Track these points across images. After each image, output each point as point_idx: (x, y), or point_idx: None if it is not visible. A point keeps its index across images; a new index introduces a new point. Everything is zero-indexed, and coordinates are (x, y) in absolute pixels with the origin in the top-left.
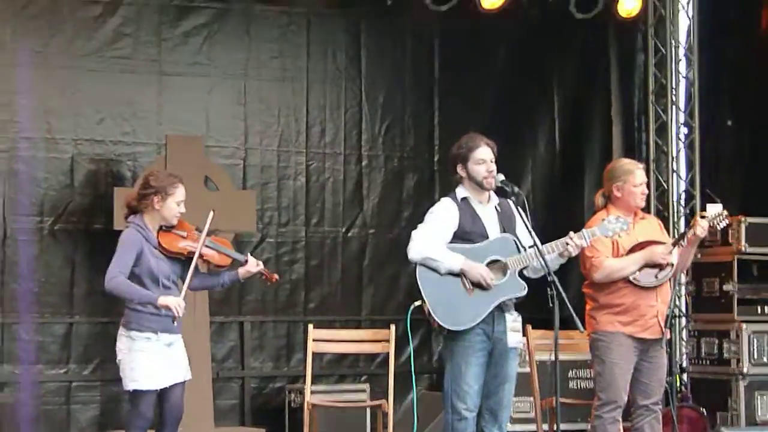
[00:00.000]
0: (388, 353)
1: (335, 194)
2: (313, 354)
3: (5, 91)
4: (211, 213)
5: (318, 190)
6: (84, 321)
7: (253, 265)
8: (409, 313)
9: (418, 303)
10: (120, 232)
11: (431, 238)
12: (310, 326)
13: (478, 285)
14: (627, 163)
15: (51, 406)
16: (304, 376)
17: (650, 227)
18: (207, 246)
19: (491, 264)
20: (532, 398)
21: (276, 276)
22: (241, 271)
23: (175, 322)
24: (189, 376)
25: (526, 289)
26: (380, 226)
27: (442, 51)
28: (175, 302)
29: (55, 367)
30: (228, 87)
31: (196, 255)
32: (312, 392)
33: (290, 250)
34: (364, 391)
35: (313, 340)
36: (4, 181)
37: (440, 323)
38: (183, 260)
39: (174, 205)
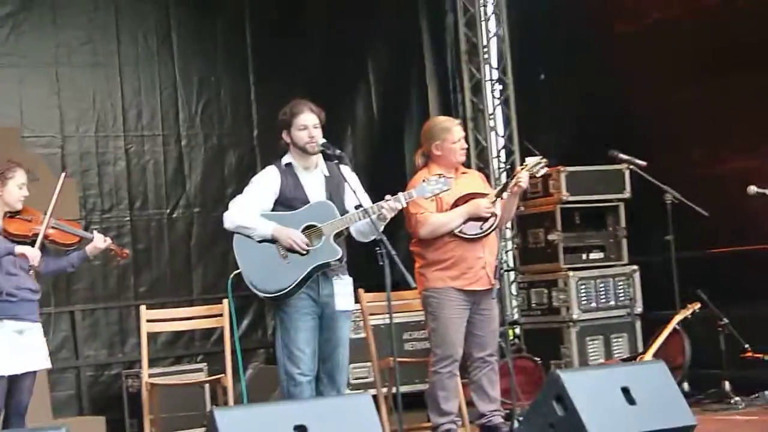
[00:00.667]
0: (222, 328)
1: (157, 176)
2: (148, 335)
3: None
4: (63, 174)
5: (139, 173)
6: None
7: (101, 241)
8: (229, 282)
9: (236, 272)
10: None
11: (246, 207)
12: (143, 307)
13: (291, 250)
14: (443, 120)
15: None
16: (140, 360)
17: (472, 181)
18: (52, 227)
19: (307, 230)
20: (370, 363)
21: (126, 251)
22: (89, 247)
23: (31, 273)
24: (45, 365)
25: (341, 253)
26: (204, 205)
27: (254, 26)
28: (30, 250)
29: None
30: (40, 76)
31: (41, 232)
32: (149, 375)
33: (116, 236)
34: (201, 370)
35: (147, 321)
36: None
37: (254, 289)
38: (30, 243)
39: (15, 188)
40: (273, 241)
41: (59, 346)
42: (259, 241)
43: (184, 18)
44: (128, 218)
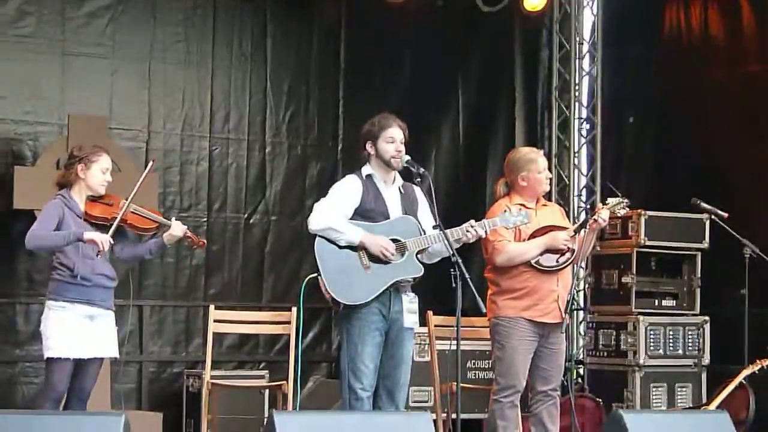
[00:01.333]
0: (288, 336)
1: (238, 180)
2: (214, 336)
3: None
4: (151, 163)
5: (221, 175)
6: None
7: (178, 229)
8: (304, 284)
9: (314, 275)
10: (20, 211)
11: (333, 210)
12: (211, 306)
13: (376, 260)
14: (528, 151)
15: None
16: (203, 360)
17: (552, 214)
18: (131, 212)
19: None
20: (431, 388)
21: (203, 241)
22: (166, 235)
23: (99, 256)
24: (113, 353)
25: (423, 270)
26: (282, 214)
27: (348, 40)
28: (100, 236)
29: None
30: (132, 69)
31: (119, 215)
32: (211, 376)
33: None
34: (263, 377)
35: (215, 321)
36: None
37: (333, 296)
38: (109, 227)
39: (98, 172)
40: (357, 248)
41: (124, 339)
42: (341, 247)
43: (281, 24)
44: (205, 219)
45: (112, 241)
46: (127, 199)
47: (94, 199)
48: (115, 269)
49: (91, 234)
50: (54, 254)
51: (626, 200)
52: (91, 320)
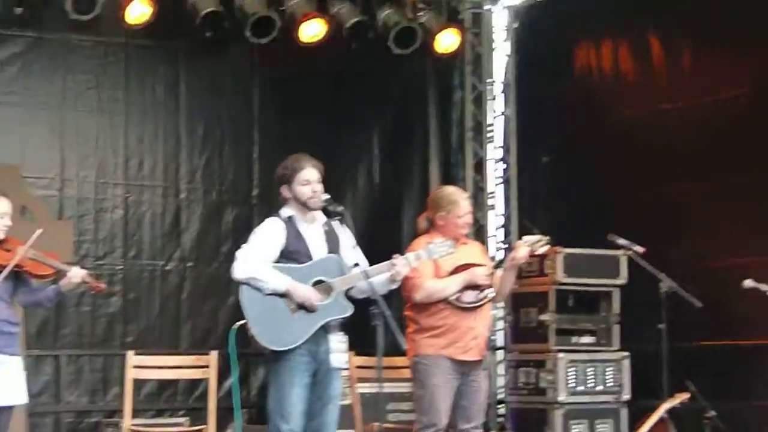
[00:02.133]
0: (207, 382)
1: (153, 227)
2: (133, 383)
3: None
4: (39, 230)
5: (136, 222)
6: None
7: (76, 275)
8: (233, 331)
9: (241, 322)
10: None
11: (256, 258)
12: (130, 352)
13: (302, 306)
14: (452, 192)
15: None
16: (121, 409)
17: (472, 251)
18: (29, 258)
19: (316, 285)
20: (353, 431)
21: (103, 285)
22: (63, 281)
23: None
24: (21, 400)
25: (352, 309)
26: (199, 260)
27: (262, 85)
28: None
29: None
30: (44, 117)
31: (12, 262)
32: (131, 424)
33: (108, 283)
34: (182, 424)
35: (133, 367)
36: None
37: (262, 343)
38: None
39: None
40: (283, 295)
41: (41, 389)
42: (267, 294)
43: (194, 69)
44: (122, 267)
45: None
46: (24, 245)
47: None
48: (32, 318)
49: None
50: None
51: (546, 238)
52: None
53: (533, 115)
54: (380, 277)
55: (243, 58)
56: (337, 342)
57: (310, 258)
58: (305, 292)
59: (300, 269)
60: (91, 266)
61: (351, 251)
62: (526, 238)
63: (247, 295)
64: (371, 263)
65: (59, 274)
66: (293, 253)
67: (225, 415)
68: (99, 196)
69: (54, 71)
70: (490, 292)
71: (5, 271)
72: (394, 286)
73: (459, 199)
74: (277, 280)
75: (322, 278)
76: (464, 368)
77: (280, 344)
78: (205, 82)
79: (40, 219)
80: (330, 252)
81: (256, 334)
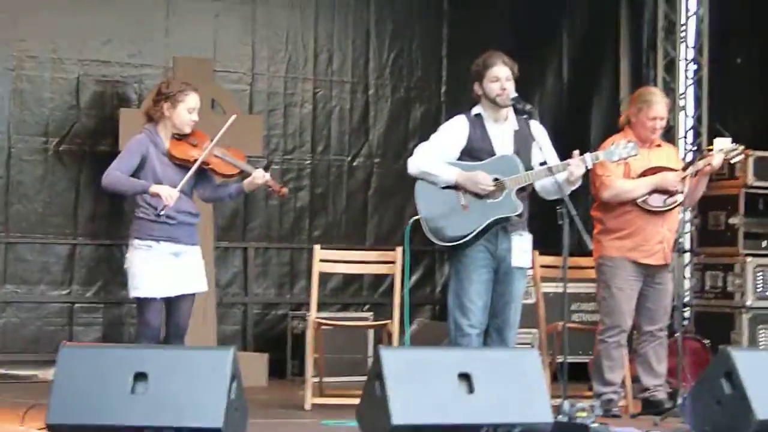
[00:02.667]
0: (392, 278)
1: (341, 123)
2: (319, 276)
3: (11, 9)
4: (233, 116)
5: (324, 118)
6: (87, 243)
7: (259, 177)
8: (409, 225)
9: (416, 217)
10: None
11: (431, 153)
12: (316, 246)
13: (475, 195)
14: (649, 92)
15: (53, 327)
16: (308, 303)
17: (665, 155)
18: (215, 155)
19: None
20: (536, 330)
21: (285, 189)
22: (246, 181)
23: (163, 212)
24: (201, 288)
25: (521, 208)
26: (386, 157)
27: None
28: (166, 191)
29: (58, 288)
30: (236, 12)
31: (199, 160)
32: (316, 317)
33: (295, 177)
34: (367, 318)
35: (320, 261)
36: (10, 100)
37: (431, 236)
38: (188, 169)
39: (185, 112)
40: (456, 188)
41: (230, 281)
42: (442, 188)
43: None
44: (309, 162)
45: (177, 195)
46: (211, 141)
47: (179, 138)
48: (221, 211)
49: (156, 187)
50: None
51: (742, 147)
52: (177, 257)
53: (727, 16)
54: (560, 176)
55: None
56: (521, 242)
57: (492, 156)
58: (475, 178)
59: (476, 166)
60: (280, 160)
61: (549, 151)
62: (721, 144)
63: (421, 190)
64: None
65: (243, 174)
66: (476, 151)
67: (411, 310)
68: (288, 90)
69: None
70: (679, 197)
71: (192, 169)
72: (573, 187)
73: (653, 99)
74: (448, 172)
75: (496, 176)
76: (649, 271)
77: (448, 237)
78: None
79: (230, 113)
80: (518, 151)
81: (427, 229)
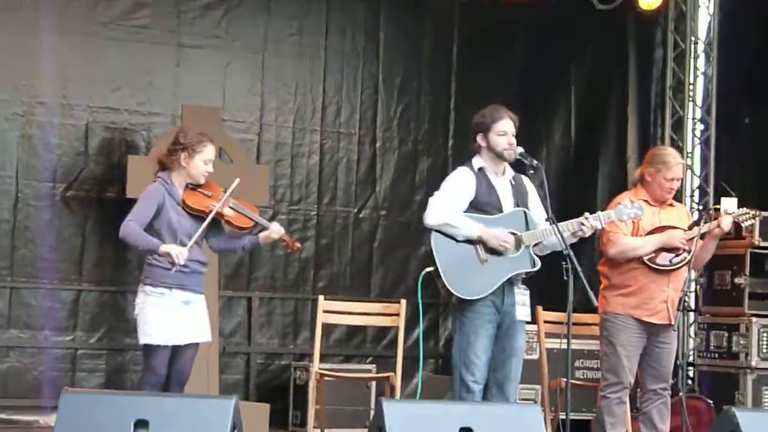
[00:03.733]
0: (396, 331)
1: (348, 174)
2: (322, 327)
3: (23, 54)
4: (237, 180)
5: (331, 169)
6: (92, 289)
7: (276, 231)
8: (422, 276)
9: (430, 269)
10: (133, 200)
11: (449, 205)
12: (321, 297)
13: (494, 252)
14: (667, 153)
15: (56, 372)
16: (311, 354)
17: (677, 215)
18: (230, 207)
19: None
20: (538, 386)
21: (298, 244)
22: (262, 235)
23: (174, 270)
24: (207, 338)
25: (539, 264)
26: (392, 209)
27: (461, 36)
28: (176, 250)
29: (61, 333)
30: (246, 61)
31: (214, 211)
32: (319, 368)
33: (301, 228)
34: (370, 371)
35: (323, 312)
36: (18, 145)
37: (451, 290)
38: (203, 220)
39: (201, 163)
40: (474, 242)
41: (234, 330)
42: (459, 241)
43: (394, 18)
44: (315, 212)
45: (186, 254)
46: (224, 192)
47: (193, 188)
48: (226, 260)
49: (166, 247)
50: None
51: (753, 211)
52: (187, 305)
53: (736, 76)
54: (566, 234)
55: (443, 8)
56: (523, 295)
57: (500, 210)
58: (500, 234)
59: (490, 220)
60: (286, 211)
61: (538, 206)
62: (727, 204)
63: (438, 242)
64: (564, 219)
65: (257, 227)
66: (484, 204)
67: (412, 363)
68: (296, 141)
69: (257, 16)
70: (685, 257)
71: (207, 219)
72: (574, 240)
73: (672, 161)
74: (470, 226)
75: (512, 231)
76: (652, 330)
77: (468, 293)
78: (405, 30)
79: (237, 162)
80: (517, 205)
81: (445, 282)
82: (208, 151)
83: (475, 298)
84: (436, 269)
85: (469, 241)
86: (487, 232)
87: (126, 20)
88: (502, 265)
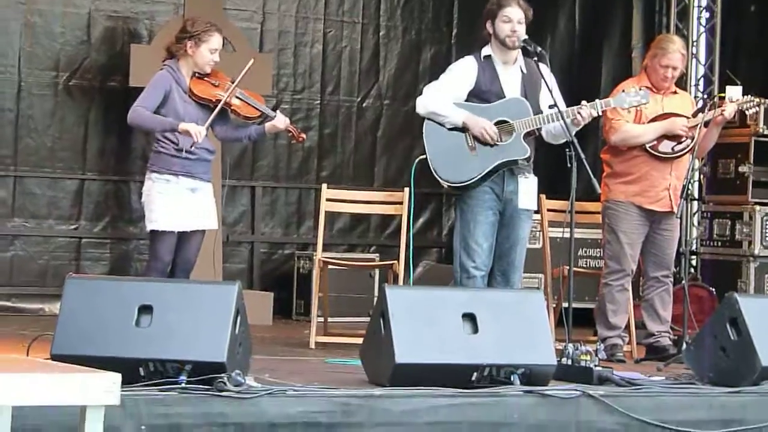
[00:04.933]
0: (399, 220)
1: (352, 63)
2: (326, 216)
3: None
4: (251, 60)
5: (335, 58)
6: (96, 178)
7: (281, 122)
8: (415, 164)
9: (422, 157)
10: (136, 89)
11: (440, 94)
12: (324, 185)
13: (480, 141)
14: (666, 39)
15: (61, 261)
16: (314, 243)
17: (680, 102)
18: (237, 96)
19: (499, 125)
20: (541, 275)
21: (303, 135)
22: (268, 125)
23: (190, 149)
24: (213, 225)
25: (529, 152)
26: (395, 98)
27: None
28: (195, 128)
29: (66, 222)
30: None
31: (223, 101)
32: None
33: (304, 117)
34: (373, 260)
35: (327, 200)
36: (21, 34)
37: (438, 176)
38: (212, 108)
39: (207, 52)
40: (463, 130)
41: (237, 219)
42: (449, 129)
43: None
44: (318, 102)
45: (205, 133)
46: (232, 82)
47: (200, 77)
48: (230, 150)
49: (186, 125)
50: None
51: (757, 99)
52: (193, 192)
53: None
54: (567, 121)
55: None
56: (527, 184)
57: (501, 98)
58: (482, 124)
59: (484, 108)
60: (289, 100)
61: (550, 94)
62: (732, 92)
63: (429, 130)
64: (569, 106)
65: (263, 117)
66: (485, 93)
67: (417, 253)
68: (299, 30)
69: None
70: (688, 144)
71: (217, 108)
72: (578, 128)
73: (670, 47)
74: (456, 114)
75: (506, 119)
76: (655, 217)
77: (455, 179)
78: None
79: (241, 51)
80: (526, 95)
81: (433, 168)
82: (215, 41)
83: (459, 184)
84: (426, 157)
85: (459, 129)
86: (471, 119)
87: None
88: (491, 152)
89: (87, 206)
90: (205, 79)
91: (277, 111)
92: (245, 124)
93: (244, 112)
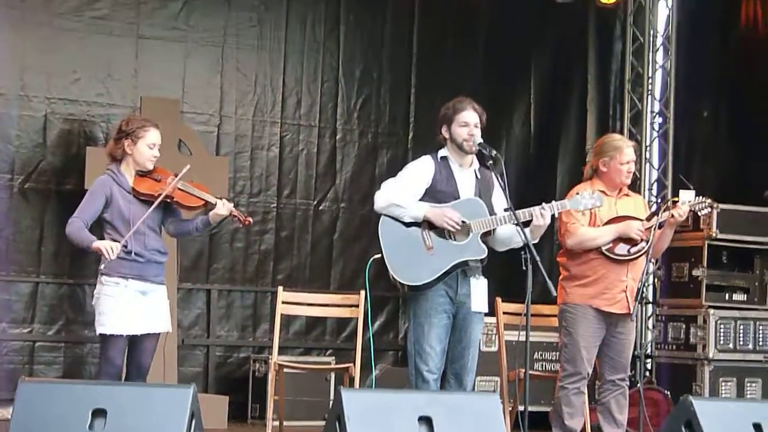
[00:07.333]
0: (356, 323)
1: (308, 166)
2: (281, 319)
3: None
4: (188, 165)
5: (291, 161)
6: (50, 281)
7: (223, 208)
8: (369, 264)
9: (377, 256)
10: None
11: (398, 187)
12: (280, 288)
13: (441, 236)
14: (617, 139)
15: (14, 365)
16: (270, 346)
17: (635, 205)
18: (179, 188)
19: None
20: (497, 378)
21: (249, 219)
22: (211, 213)
23: (103, 267)
24: (166, 328)
25: (486, 252)
26: (352, 201)
27: (421, 29)
28: (107, 245)
29: (19, 326)
30: (205, 53)
31: (164, 194)
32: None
33: (261, 220)
34: (329, 363)
35: (283, 303)
36: None
37: (395, 276)
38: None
39: (146, 148)
40: (421, 226)
41: (193, 322)
42: (407, 225)
43: (354, 11)
44: (275, 205)
45: (119, 247)
46: (175, 176)
47: (142, 174)
48: (186, 252)
49: (98, 243)
50: (105, 230)
51: (709, 200)
52: (144, 295)
53: (694, 69)
54: (527, 230)
55: (403, 1)
56: (479, 286)
57: (456, 199)
58: (446, 212)
59: (442, 207)
60: (246, 203)
61: (503, 200)
62: (685, 196)
63: (385, 230)
64: (523, 207)
65: (208, 206)
66: (440, 193)
67: (373, 357)
68: (256, 133)
69: (216, 8)
70: (643, 246)
71: (156, 202)
72: (536, 240)
73: (623, 145)
74: (417, 207)
75: (463, 219)
76: (611, 320)
77: (411, 279)
78: (365, 23)
79: (197, 154)
80: (480, 197)
81: (389, 268)
82: (151, 136)
83: (418, 284)
84: (382, 256)
85: (417, 225)
86: (432, 211)
87: (85, 11)
88: (449, 252)
89: (41, 309)
90: (148, 176)
91: (223, 199)
92: (192, 216)
93: (186, 201)
